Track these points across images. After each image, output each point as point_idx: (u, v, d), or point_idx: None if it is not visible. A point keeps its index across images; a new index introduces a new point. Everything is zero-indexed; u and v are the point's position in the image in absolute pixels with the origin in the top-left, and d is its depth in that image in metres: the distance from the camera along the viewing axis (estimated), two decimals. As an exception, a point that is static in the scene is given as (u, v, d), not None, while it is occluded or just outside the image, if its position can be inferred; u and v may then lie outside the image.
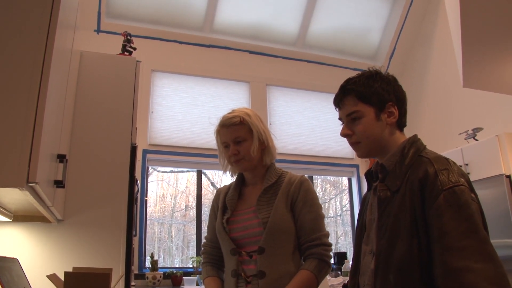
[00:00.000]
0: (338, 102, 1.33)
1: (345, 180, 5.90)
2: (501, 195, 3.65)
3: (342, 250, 5.26)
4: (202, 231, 4.87)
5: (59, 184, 1.67)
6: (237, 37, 5.34)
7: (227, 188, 1.75)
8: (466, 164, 4.01)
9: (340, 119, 1.35)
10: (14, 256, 1.83)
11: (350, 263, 4.86)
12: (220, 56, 5.28)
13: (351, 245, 5.52)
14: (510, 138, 3.76)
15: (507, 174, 3.66)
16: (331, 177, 5.96)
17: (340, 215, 5.92)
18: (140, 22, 4.92)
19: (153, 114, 4.84)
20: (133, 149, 2.38)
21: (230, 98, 5.24)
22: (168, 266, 4.82)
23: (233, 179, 1.78)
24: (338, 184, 6.06)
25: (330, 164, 5.51)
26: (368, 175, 1.37)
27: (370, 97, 1.26)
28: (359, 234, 1.36)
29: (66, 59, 1.80)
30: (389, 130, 1.28)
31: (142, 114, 4.62)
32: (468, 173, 3.76)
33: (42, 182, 1.33)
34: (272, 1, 5.24)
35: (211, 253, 1.73)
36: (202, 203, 4.99)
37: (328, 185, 6.09)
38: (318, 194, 1.97)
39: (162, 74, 5.02)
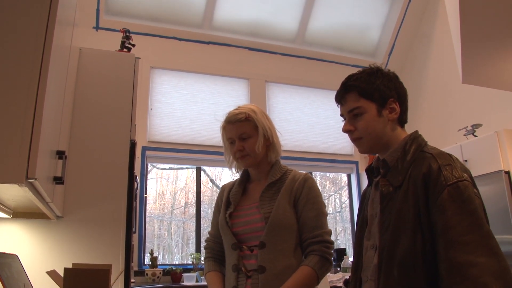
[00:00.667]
0: (340, 98, 1.34)
1: (344, 177, 5.91)
2: (500, 191, 3.65)
3: (342, 247, 5.27)
4: (202, 228, 4.88)
5: (58, 180, 1.67)
6: (236, 34, 5.33)
7: (232, 184, 1.77)
8: (465, 161, 4.01)
9: (342, 115, 1.36)
10: (14, 253, 1.83)
11: (350, 259, 4.85)
12: (219, 53, 5.28)
13: (351, 241, 5.54)
14: (509, 135, 3.76)
15: (506, 170, 3.67)
16: (331, 174, 5.97)
17: (340, 212, 5.93)
18: (139, 19, 4.91)
19: (152, 111, 4.84)
20: (132, 145, 2.38)
21: (230, 95, 5.24)
22: (167, 263, 4.83)
23: (238, 175, 1.78)
24: (337, 181, 6.07)
25: (330, 161, 5.52)
26: (369, 170, 1.38)
27: (372, 94, 1.27)
28: (360, 229, 1.37)
29: (65, 55, 1.79)
30: (391, 126, 1.28)
31: (141, 111, 4.62)
32: (467, 170, 3.76)
33: (41, 178, 1.33)
34: (271, -2, 5.24)
35: (214, 248, 1.73)
36: (201, 200, 5.00)
37: (328, 182, 6.09)
38: (317, 191, 1.97)
39: (161, 71, 5.01)
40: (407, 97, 1.33)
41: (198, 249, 4.74)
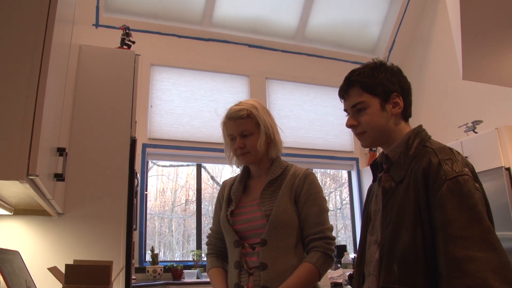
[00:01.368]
0: (343, 93, 1.33)
1: (344, 174, 5.91)
2: (501, 188, 3.65)
3: (342, 243, 5.28)
4: (202, 225, 4.88)
5: (59, 177, 1.67)
6: (236, 30, 5.32)
7: (233, 180, 1.76)
8: (466, 157, 4.01)
9: (345, 110, 1.35)
10: (16, 249, 1.84)
11: (350, 255, 4.84)
12: (219, 50, 5.27)
13: (351, 238, 5.54)
14: (509, 131, 3.76)
15: (507, 166, 3.67)
16: (331, 171, 5.97)
17: (340, 209, 5.94)
18: (139, 16, 4.91)
19: (153, 108, 4.84)
20: (133, 142, 2.38)
21: (230, 92, 5.24)
22: (168, 260, 4.84)
23: (239, 171, 1.78)
24: (337, 178, 6.07)
25: (330, 158, 5.52)
26: (373, 166, 1.38)
27: (375, 88, 1.27)
28: (365, 224, 1.37)
29: (65, 53, 1.79)
30: (394, 121, 1.28)
31: (142, 108, 4.62)
32: (468, 166, 3.76)
33: (42, 175, 1.33)
34: (271, -6, 5.23)
35: (216, 244, 1.73)
36: (202, 197, 5.00)
37: (328, 179, 6.10)
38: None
39: (161, 68, 5.01)
40: (411, 91, 1.33)
41: (198, 246, 4.75)
